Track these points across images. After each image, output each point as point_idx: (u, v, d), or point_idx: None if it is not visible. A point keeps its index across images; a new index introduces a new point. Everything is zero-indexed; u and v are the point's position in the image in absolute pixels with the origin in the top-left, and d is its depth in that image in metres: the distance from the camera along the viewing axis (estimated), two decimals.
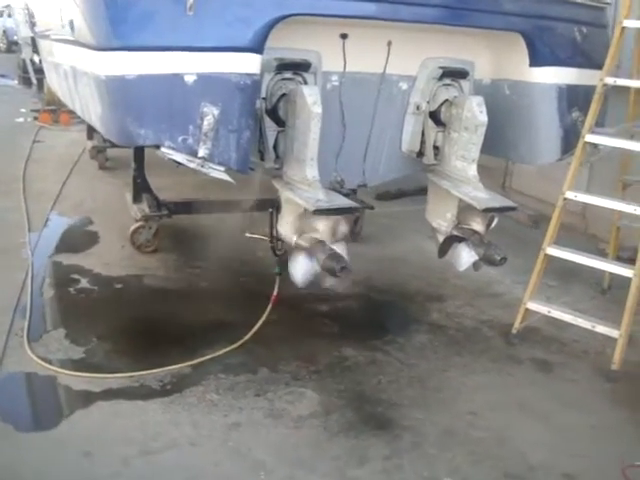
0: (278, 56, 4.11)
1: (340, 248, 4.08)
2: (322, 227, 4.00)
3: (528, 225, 7.50)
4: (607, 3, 4.96)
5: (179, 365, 4.09)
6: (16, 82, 16.22)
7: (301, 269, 4.04)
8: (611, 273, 5.05)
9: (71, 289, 5.11)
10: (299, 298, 5.09)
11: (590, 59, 4.74)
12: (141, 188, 6.03)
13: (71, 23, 4.10)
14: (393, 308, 5.28)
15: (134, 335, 4.50)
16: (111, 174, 8.23)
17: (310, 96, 3.92)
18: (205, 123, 3.55)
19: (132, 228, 5.84)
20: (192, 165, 3.60)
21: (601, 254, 6.37)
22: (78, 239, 6.20)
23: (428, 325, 4.96)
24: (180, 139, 3.60)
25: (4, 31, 16.03)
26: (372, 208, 6.64)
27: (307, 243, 4.09)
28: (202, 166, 3.59)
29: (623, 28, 4.56)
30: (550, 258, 4.74)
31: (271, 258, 4.76)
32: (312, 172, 4.03)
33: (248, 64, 3.66)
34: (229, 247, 5.99)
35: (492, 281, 5.76)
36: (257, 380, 4.06)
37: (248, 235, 5.03)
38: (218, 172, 3.68)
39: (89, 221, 6.66)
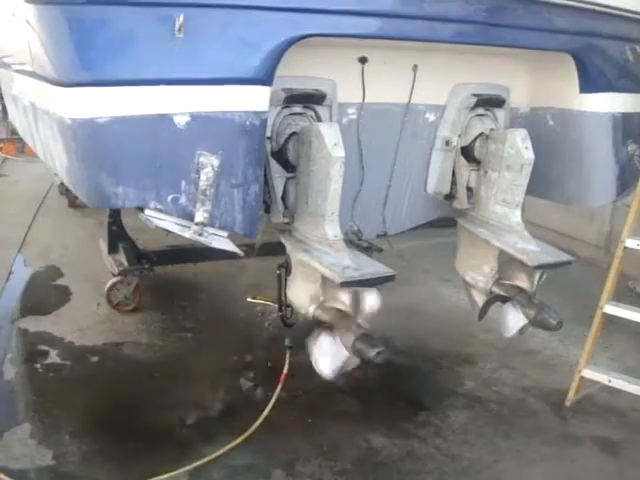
0: (286, 86, 3.35)
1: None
2: (348, 299, 3.21)
3: None
4: None
5: (173, 473, 3.28)
6: None
7: (328, 356, 3.23)
8: None
9: (38, 365, 4.29)
10: (309, 367, 4.30)
11: None
12: (117, 236, 5.22)
13: (28, 49, 3.26)
14: (419, 375, 4.50)
15: (116, 430, 3.67)
16: (83, 213, 7.36)
17: (329, 137, 3.16)
18: (203, 177, 2.77)
19: (108, 284, 5.04)
20: (187, 234, 2.80)
21: (632, 292, 5.73)
22: (46, 296, 5.37)
23: (464, 397, 4.21)
24: (170, 199, 2.81)
25: None
26: (380, 250, 5.92)
27: (329, 317, 3.31)
28: (200, 234, 2.79)
29: None
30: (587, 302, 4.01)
31: (279, 325, 3.96)
32: (333, 230, 3.27)
33: (255, 99, 2.90)
34: (226, 303, 5.22)
35: (524, 334, 5.01)
36: None
37: (250, 300, 4.26)
38: (220, 240, 2.89)
39: (59, 273, 5.83)
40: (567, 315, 4.24)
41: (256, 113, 2.89)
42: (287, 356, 4.01)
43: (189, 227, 2.79)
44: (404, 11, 3.18)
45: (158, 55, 2.74)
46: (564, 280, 4.52)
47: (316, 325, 3.33)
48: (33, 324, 4.83)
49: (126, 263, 5.05)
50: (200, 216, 2.77)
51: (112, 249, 5.25)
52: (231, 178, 2.87)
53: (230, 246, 2.96)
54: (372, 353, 3.03)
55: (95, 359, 4.40)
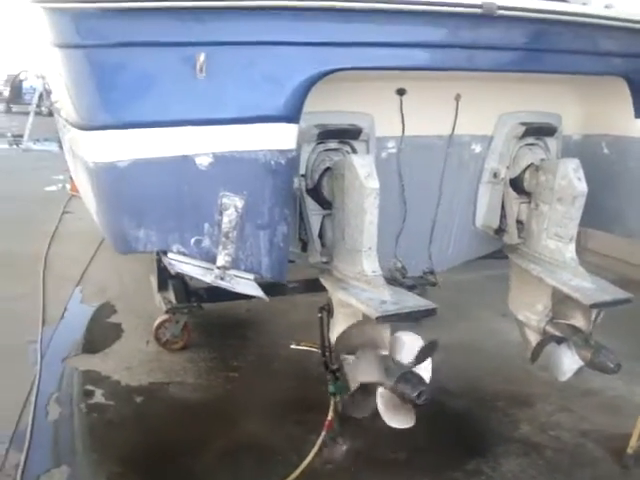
0: (320, 122, 3.27)
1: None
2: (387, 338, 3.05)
3: None
4: None
5: None
6: (57, 146, 15.81)
7: (388, 406, 3.05)
8: None
9: (83, 406, 4.27)
10: None
11: None
12: (166, 273, 5.19)
13: (61, 95, 3.28)
14: (471, 419, 4.26)
15: (153, 474, 3.59)
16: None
17: (362, 167, 3.03)
18: (225, 219, 2.69)
19: (156, 322, 5.01)
20: (208, 278, 2.72)
21: None
22: (98, 334, 5.39)
23: (518, 443, 3.96)
24: (193, 242, 2.74)
25: (41, 94, 15.76)
26: (435, 284, 5.71)
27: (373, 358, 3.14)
28: (222, 278, 2.70)
29: None
30: None
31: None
32: (371, 265, 3.12)
33: (281, 138, 2.80)
34: (275, 342, 5.11)
35: (585, 373, 4.67)
36: None
37: (294, 347, 4.15)
38: (245, 283, 2.79)
39: (112, 310, 5.86)
40: (630, 352, 3.98)
41: (282, 151, 2.80)
42: (331, 402, 3.87)
43: (211, 270, 2.70)
44: (436, 40, 3.04)
45: (179, 95, 2.69)
46: (628, 313, 4.21)
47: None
48: (83, 362, 4.84)
49: (175, 301, 5.01)
50: (222, 260, 2.68)
51: (161, 286, 5.22)
52: (256, 219, 2.78)
53: (256, 290, 2.85)
54: (413, 394, 2.86)
55: (140, 399, 4.35)
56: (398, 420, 3.02)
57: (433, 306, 3.10)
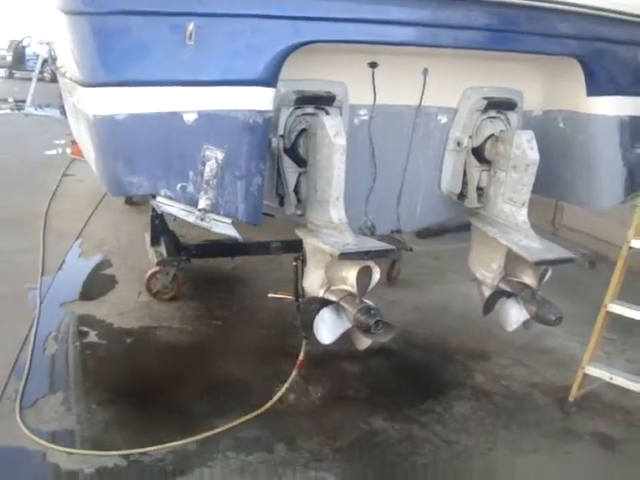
0: (298, 88, 3.62)
1: None
2: (351, 276, 3.43)
3: (583, 266, 6.81)
4: None
5: (183, 441, 3.58)
6: (59, 112, 16.09)
7: (327, 325, 3.47)
8: None
9: (77, 344, 4.66)
10: (327, 356, 4.57)
11: None
12: (159, 230, 5.58)
13: (67, 57, 3.65)
14: (431, 368, 4.67)
15: (138, 402, 3.99)
16: (137, 210, 7.78)
17: (332, 127, 3.41)
18: (207, 169, 3.06)
19: (148, 274, 5.40)
20: (190, 218, 3.10)
21: None
22: (94, 284, 5.77)
23: (471, 390, 4.37)
24: (179, 187, 3.12)
25: (45, 60, 16.01)
26: (410, 249, 6.11)
27: (335, 297, 3.54)
28: (202, 219, 3.08)
29: None
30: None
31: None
32: (338, 214, 3.51)
33: (259, 100, 3.17)
34: (258, 296, 5.50)
35: (543, 333, 5.10)
36: (272, 460, 3.52)
37: (271, 295, 4.53)
38: (223, 225, 3.17)
39: (108, 264, 6.24)
40: (589, 317, 4.33)
41: (259, 112, 3.17)
42: (303, 344, 4.28)
43: (193, 213, 3.09)
44: (402, 18, 3.39)
45: (170, 59, 3.05)
46: (591, 282, 4.56)
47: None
48: (79, 307, 5.22)
49: (165, 254, 5.40)
50: (202, 203, 3.06)
51: (154, 242, 5.61)
52: (235, 170, 3.15)
53: (231, 231, 3.23)
54: (371, 321, 3.25)
55: (129, 340, 4.75)
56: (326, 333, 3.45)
57: (391, 247, 3.49)
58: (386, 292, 5.79)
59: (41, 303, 5.18)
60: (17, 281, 5.56)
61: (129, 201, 8.07)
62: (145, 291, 5.43)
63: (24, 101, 16.23)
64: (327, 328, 3.45)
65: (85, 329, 4.87)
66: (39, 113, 15.66)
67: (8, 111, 17.11)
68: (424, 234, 7.41)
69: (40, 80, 16.38)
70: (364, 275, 3.38)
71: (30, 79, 16.77)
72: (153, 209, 5.59)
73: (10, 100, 18.10)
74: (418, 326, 5.24)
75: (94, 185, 9.00)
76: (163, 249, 5.47)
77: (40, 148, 11.47)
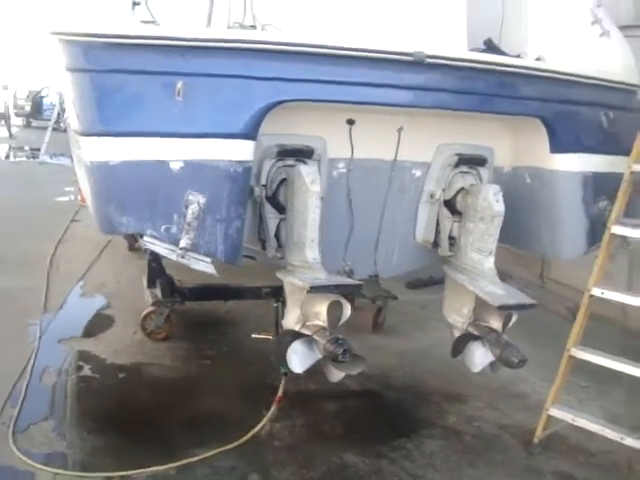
0: (280, 142, 3.96)
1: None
2: (323, 310, 3.69)
3: (566, 317, 7.02)
4: (638, 86, 4.64)
5: (164, 467, 3.81)
6: (70, 161, 16.64)
7: (298, 356, 3.71)
8: None
9: (72, 377, 4.93)
10: (307, 395, 4.82)
11: (621, 145, 4.40)
12: (156, 272, 5.89)
13: (70, 110, 4.04)
14: (407, 408, 4.87)
15: (125, 431, 4.23)
16: (139, 256, 8.10)
17: (308, 174, 3.76)
18: (189, 212, 3.38)
19: (143, 314, 5.68)
20: (172, 256, 3.41)
21: None
22: (92, 322, 6.07)
23: (443, 429, 4.57)
24: (163, 228, 3.44)
25: (59, 111, 16.69)
26: (395, 298, 6.37)
27: (309, 331, 3.80)
28: (182, 257, 3.39)
29: None
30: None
31: None
32: (312, 254, 3.81)
33: (239, 151, 3.51)
34: (248, 338, 5.74)
35: (518, 379, 5.31)
36: None
37: (254, 336, 4.81)
38: (202, 264, 3.48)
39: (107, 304, 6.54)
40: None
41: (239, 162, 3.50)
42: (282, 381, 4.54)
43: (174, 251, 3.40)
44: (375, 81, 3.74)
45: (160, 113, 3.42)
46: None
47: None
48: (76, 344, 5.51)
49: (160, 296, 5.69)
50: (183, 242, 3.37)
51: (150, 284, 5.92)
52: (215, 214, 3.47)
53: (209, 269, 3.53)
54: (339, 350, 3.50)
55: (122, 375, 5.01)
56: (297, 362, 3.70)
57: (358, 283, 3.77)
58: (371, 339, 6.05)
59: (40, 338, 5.47)
60: (19, 317, 5.86)
61: (132, 248, 8.41)
62: (140, 330, 5.70)
63: (39, 149, 16.83)
64: (298, 358, 3.70)
65: (81, 364, 5.14)
66: (53, 162, 16.23)
67: (24, 159, 17.71)
68: (413, 284, 7.70)
69: (55, 130, 17.00)
70: (334, 309, 3.64)
71: (46, 128, 17.42)
72: (151, 253, 5.91)
73: (26, 148, 18.75)
74: (398, 370, 5.46)
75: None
76: (158, 291, 5.76)
77: (51, 195, 11.93)
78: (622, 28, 5.32)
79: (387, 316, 6.42)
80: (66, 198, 11.85)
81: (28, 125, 26.50)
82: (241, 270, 5.81)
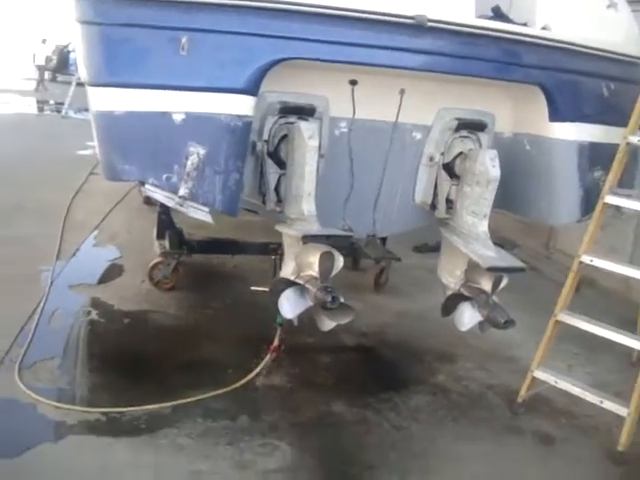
0: (282, 99, 4.07)
1: None
2: (315, 261, 3.82)
3: None
4: None
5: (158, 405, 4.02)
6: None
7: (289, 302, 3.84)
8: None
9: (79, 320, 5.14)
10: (303, 347, 4.99)
11: (620, 116, 4.44)
12: (165, 224, 6.06)
13: (80, 62, 4.18)
14: (399, 365, 5.03)
15: (125, 371, 4.43)
16: (153, 209, 8.27)
17: (307, 130, 3.88)
18: (189, 162, 3.52)
19: (151, 264, 5.86)
20: (171, 204, 3.57)
21: None
22: (102, 270, 6.28)
23: (431, 386, 4.72)
24: (164, 177, 3.58)
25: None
26: (399, 259, 6.50)
27: (301, 280, 3.94)
28: (181, 205, 3.55)
29: None
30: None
31: None
32: (309, 207, 3.95)
33: (240, 106, 3.63)
34: (251, 292, 5.91)
35: (512, 344, 5.45)
36: (234, 427, 3.93)
37: (253, 289, 4.97)
38: (201, 212, 3.63)
39: (118, 254, 6.74)
40: (561, 334, 4.63)
41: (239, 116, 3.62)
42: (278, 332, 4.71)
43: (173, 199, 3.55)
44: (377, 43, 3.83)
45: (165, 66, 3.55)
46: (572, 304, 4.77)
47: None
48: (85, 290, 5.72)
49: (168, 247, 5.88)
50: (182, 191, 3.52)
51: (160, 235, 6.10)
52: (214, 165, 3.60)
53: (207, 217, 3.69)
54: (328, 298, 3.64)
55: (127, 320, 5.21)
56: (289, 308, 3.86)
57: (350, 234, 3.94)
58: (372, 298, 6.21)
59: (52, 284, 5.68)
60: (34, 263, 6.08)
61: (147, 201, 8.58)
62: (147, 279, 5.90)
63: (63, 103, 17.04)
64: (290, 305, 3.84)
65: (89, 309, 5.35)
66: (77, 116, 16.43)
67: (48, 112, 17.94)
68: (422, 249, 7.80)
69: (80, 85, 17.13)
70: (326, 260, 3.77)
71: (71, 82, 17.60)
72: (161, 205, 6.08)
73: (51, 102, 18.98)
74: (395, 328, 5.62)
75: (116, 184, 9.58)
76: (167, 242, 5.94)
77: (72, 148, 12.14)
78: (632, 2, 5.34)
79: (391, 278, 6.55)
80: (87, 152, 12.03)
81: (54, 79, 26.74)
82: (252, 227, 6.07)
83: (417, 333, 5.59)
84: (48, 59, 26.18)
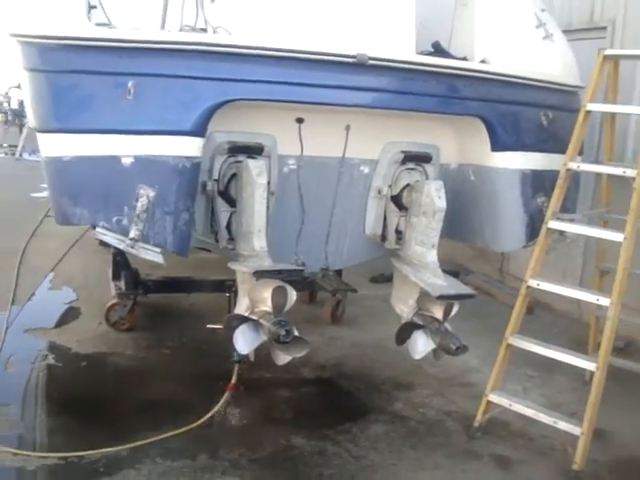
0: (230, 139, 4.16)
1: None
2: (268, 296, 3.87)
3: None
4: (579, 87, 4.89)
5: (117, 448, 3.99)
6: None
7: (244, 338, 3.88)
8: None
9: (36, 364, 5.09)
10: (261, 383, 5.02)
11: (559, 143, 4.63)
12: (120, 265, 6.06)
13: (28, 108, 4.21)
14: (357, 396, 5.08)
15: (83, 414, 4.40)
16: (109, 251, 8.19)
17: (255, 168, 3.97)
18: (139, 204, 3.57)
19: (107, 305, 5.85)
20: (122, 246, 3.61)
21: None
22: (59, 314, 6.23)
23: (389, 415, 4.77)
24: (114, 220, 3.63)
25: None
26: (355, 291, 6.58)
27: (255, 316, 3.98)
28: (132, 247, 3.59)
29: (587, 112, 4.47)
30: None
31: None
32: (260, 243, 4.02)
33: (187, 147, 3.70)
34: (208, 330, 5.92)
35: (469, 369, 5.56)
36: (194, 467, 3.93)
37: (209, 326, 5.03)
38: (151, 253, 3.67)
39: (75, 296, 6.71)
40: (516, 358, 4.75)
41: (188, 158, 3.70)
42: (235, 369, 4.74)
43: (124, 241, 3.59)
44: (320, 82, 3.95)
45: (112, 111, 3.61)
46: (525, 327, 4.88)
47: None
48: (42, 334, 5.68)
49: (124, 288, 5.87)
50: (132, 233, 3.57)
51: (115, 276, 6.10)
52: (164, 207, 3.66)
53: (158, 258, 3.72)
54: (282, 332, 3.69)
55: (84, 363, 5.19)
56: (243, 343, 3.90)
57: (301, 268, 4.01)
58: (329, 330, 6.28)
59: (7, 329, 5.62)
60: None
61: (103, 243, 8.52)
62: (104, 321, 5.87)
63: (17, 146, 16.90)
64: (244, 340, 3.89)
65: (45, 353, 5.31)
66: (30, 158, 16.27)
67: (2, 155, 17.76)
68: (378, 279, 7.90)
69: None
70: (279, 295, 3.83)
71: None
72: (115, 247, 6.08)
73: (5, 145, 18.79)
74: (353, 359, 5.68)
75: (72, 227, 9.52)
76: (122, 283, 5.94)
77: (26, 191, 12.01)
78: (574, 32, 5.59)
79: (348, 309, 6.62)
80: (41, 194, 11.93)
81: (6, 122, 26.43)
82: (209, 265, 6.10)
83: (374, 363, 5.65)
84: None
